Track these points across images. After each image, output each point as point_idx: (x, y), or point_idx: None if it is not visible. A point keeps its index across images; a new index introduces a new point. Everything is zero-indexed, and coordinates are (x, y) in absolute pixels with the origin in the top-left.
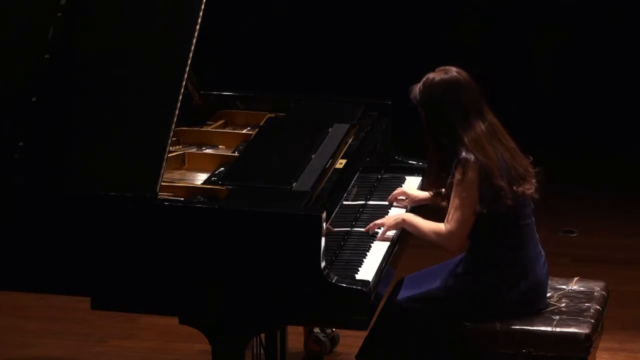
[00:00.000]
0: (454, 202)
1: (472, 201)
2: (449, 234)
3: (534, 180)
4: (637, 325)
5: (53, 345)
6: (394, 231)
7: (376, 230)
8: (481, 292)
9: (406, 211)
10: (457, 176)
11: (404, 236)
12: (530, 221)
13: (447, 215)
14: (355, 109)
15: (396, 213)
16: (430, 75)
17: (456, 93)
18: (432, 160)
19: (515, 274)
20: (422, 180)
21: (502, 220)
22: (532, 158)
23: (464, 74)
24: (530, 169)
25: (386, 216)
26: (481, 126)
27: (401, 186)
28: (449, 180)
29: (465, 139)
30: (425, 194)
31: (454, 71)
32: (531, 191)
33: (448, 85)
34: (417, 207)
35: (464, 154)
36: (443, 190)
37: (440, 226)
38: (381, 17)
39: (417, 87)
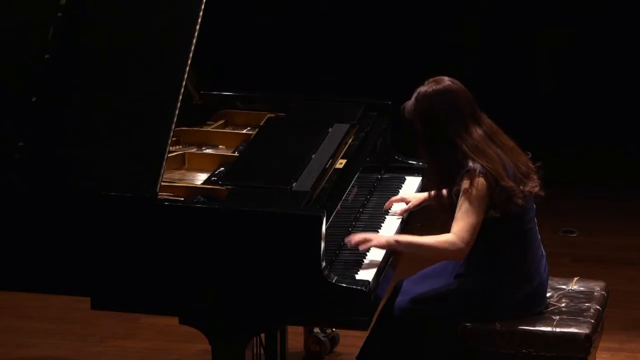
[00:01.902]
0: (463, 210)
1: (481, 209)
2: (461, 242)
3: (536, 177)
4: (637, 325)
5: (53, 345)
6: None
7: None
8: (483, 293)
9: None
10: (465, 185)
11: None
12: (534, 224)
13: (453, 225)
14: (355, 109)
15: (388, 231)
16: (422, 89)
17: (450, 103)
18: (431, 173)
19: (518, 277)
20: (422, 181)
21: (507, 224)
22: (530, 154)
23: (455, 82)
24: (530, 165)
25: (377, 234)
26: (478, 131)
27: (401, 187)
28: (454, 189)
29: (465, 147)
30: (425, 195)
31: (445, 81)
32: (537, 189)
33: (441, 95)
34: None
35: (470, 164)
36: (445, 195)
37: (449, 236)
38: (381, 18)
39: (410, 103)
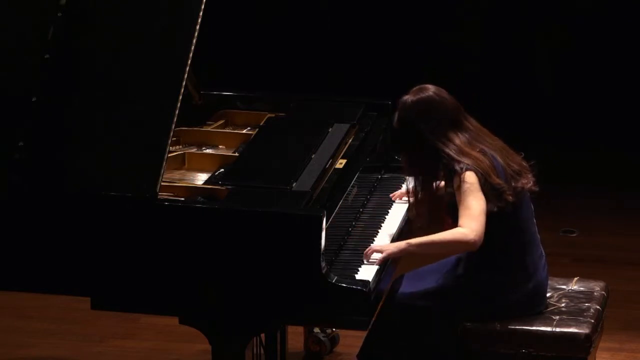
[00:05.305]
0: (463, 204)
1: (480, 198)
2: (471, 232)
3: (530, 175)
4: (637, 325)
5: (53, 345)
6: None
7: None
8: (483, 292)
9: (394, 235)
10: (456, 183)
11: (404, 236)
12: (532, 224)
13: (459, 220)
14: (355, 109)
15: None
16: (404, 98)
17: (430, 111)
18: (414, 180)
19: (518, 276)
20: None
21: (506, 222)
22: (523, 154)
23: (438, 91)
24: (524, 164)
25: (387, 244)
26: (460, 138)
27: (401, 187)
28: (447, 191)
29: (451, 153)
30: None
31: (427, 90)
32: (530, 185)
33: (419, 105)
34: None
35: (456, 166)
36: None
37: (459, 229)
38: (381, 17)
39: (395, 113)
